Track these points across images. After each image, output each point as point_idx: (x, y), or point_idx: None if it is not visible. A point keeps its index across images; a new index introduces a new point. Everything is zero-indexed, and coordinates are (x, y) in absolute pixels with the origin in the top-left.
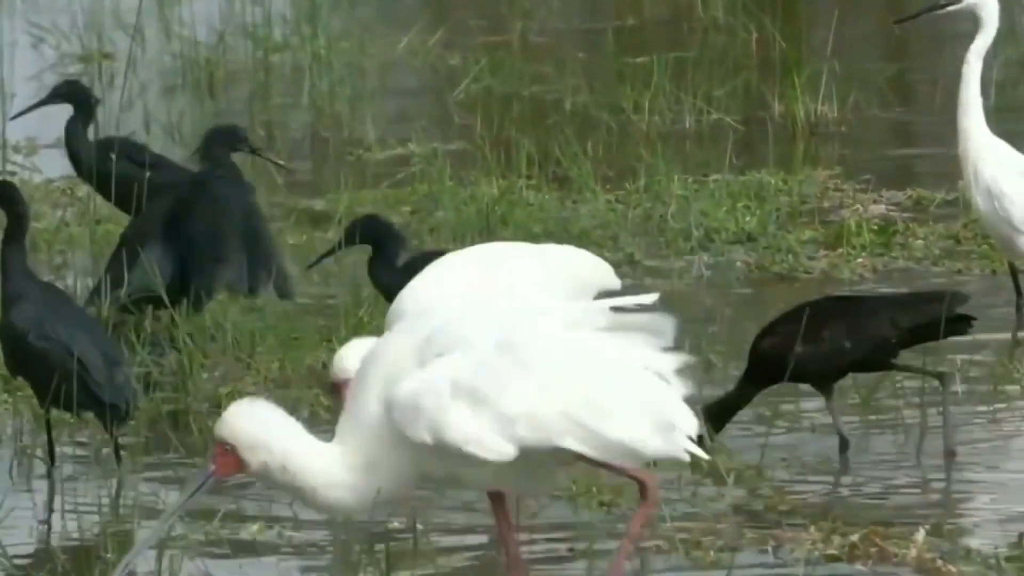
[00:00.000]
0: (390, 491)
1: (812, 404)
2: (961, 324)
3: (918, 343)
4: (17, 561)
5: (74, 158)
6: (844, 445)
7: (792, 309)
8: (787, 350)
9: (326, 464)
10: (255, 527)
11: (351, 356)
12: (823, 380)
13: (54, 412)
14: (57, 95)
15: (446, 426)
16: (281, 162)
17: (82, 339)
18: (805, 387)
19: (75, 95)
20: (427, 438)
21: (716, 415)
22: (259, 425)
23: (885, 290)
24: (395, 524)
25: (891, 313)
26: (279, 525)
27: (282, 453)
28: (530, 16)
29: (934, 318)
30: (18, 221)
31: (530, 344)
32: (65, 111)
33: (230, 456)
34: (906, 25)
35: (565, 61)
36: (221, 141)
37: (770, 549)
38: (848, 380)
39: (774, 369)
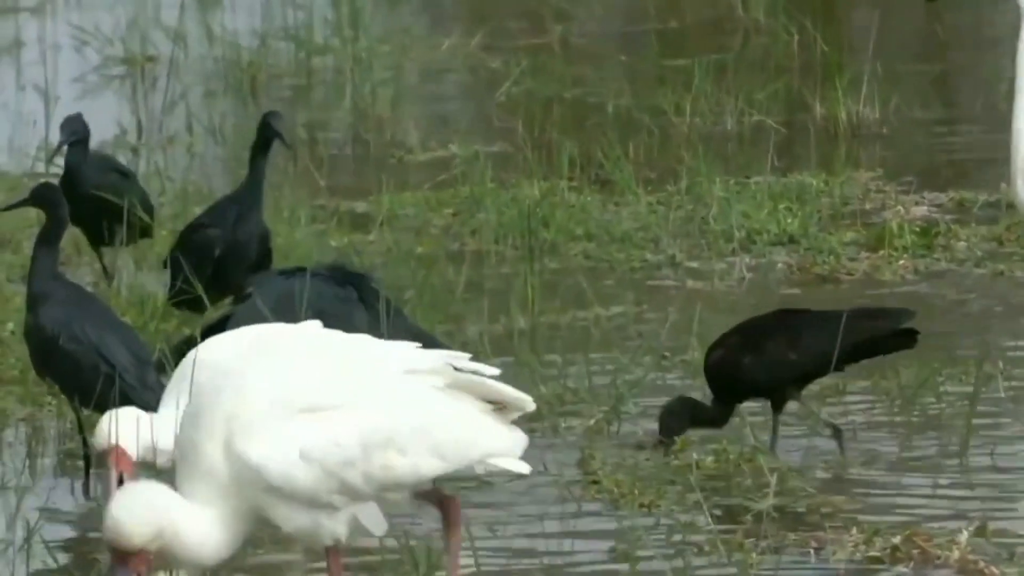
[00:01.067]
0: (243, 535)
1: (855, 405)
2: (908, 339)
3: (863, 359)
4: (61, 559)
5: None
6: (837, 434)
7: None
8: (734, 364)
9: (205, 523)
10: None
11: (106, 427)
12: (771, 393)
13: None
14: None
15: (294, 480)
16: (289, 145)
17: (111, 340)
18: (850, 388)
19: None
20: (271, 489)
21: (679, 419)
22: (143, 513)
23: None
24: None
25: (835, 328)
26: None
27: (172, 528)
28: (571, 19)
29: (876, 335)
30: (56, 223)
31: (374, 419)
32: (105, 112)
33: (135, 556)
34: (947, 25)
35: (606, 64)
36: (266, 132)
37: (812, 551)
38: (891, 382)
39: (727, 384)
